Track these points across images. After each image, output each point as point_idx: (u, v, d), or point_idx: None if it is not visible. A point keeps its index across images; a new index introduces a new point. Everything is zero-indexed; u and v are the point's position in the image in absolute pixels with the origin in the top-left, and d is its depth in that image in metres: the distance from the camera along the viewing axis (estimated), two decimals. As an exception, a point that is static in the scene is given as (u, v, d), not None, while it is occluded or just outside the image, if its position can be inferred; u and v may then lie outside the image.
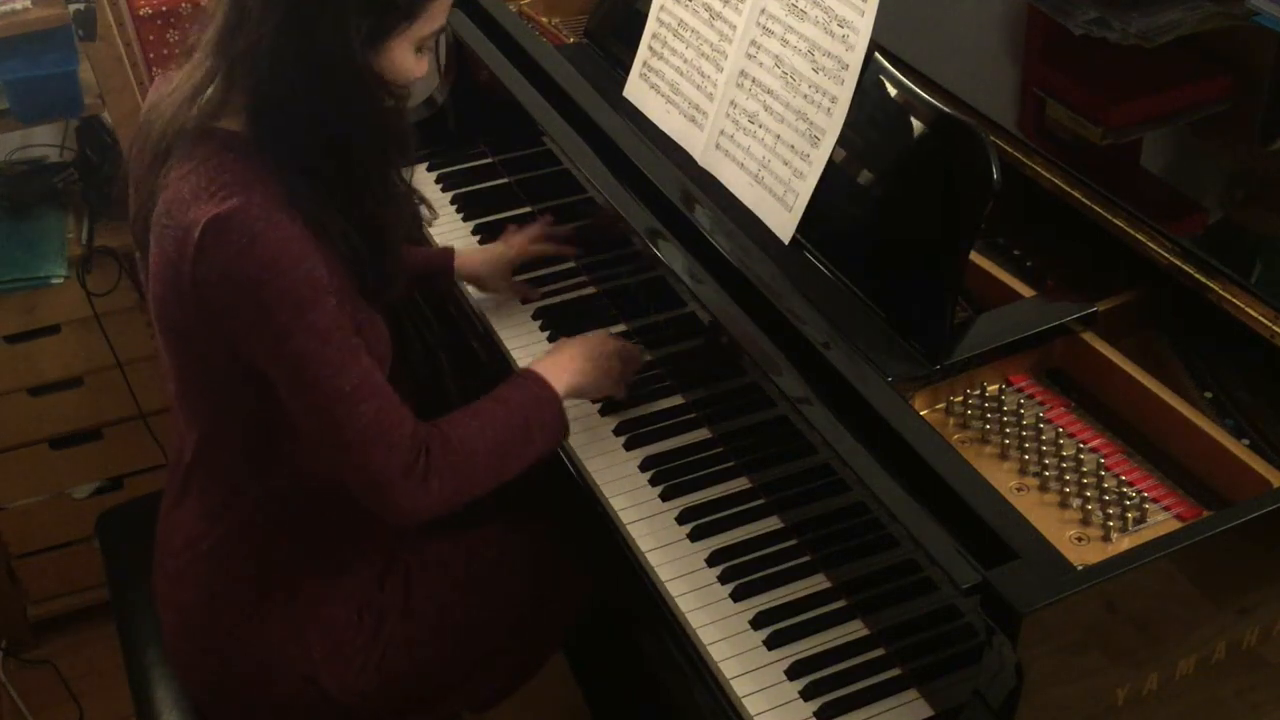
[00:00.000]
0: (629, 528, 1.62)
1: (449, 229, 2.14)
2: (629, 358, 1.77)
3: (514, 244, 1.99)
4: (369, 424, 1.42)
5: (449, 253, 1.97)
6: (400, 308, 2.38)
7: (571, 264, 2.03)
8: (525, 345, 1.91)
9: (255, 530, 1.60)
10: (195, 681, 1.69)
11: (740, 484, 1.66)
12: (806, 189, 1.61)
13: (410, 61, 1.47)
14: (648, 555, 1.58)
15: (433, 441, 1.48)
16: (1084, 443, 1.45)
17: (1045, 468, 1.42)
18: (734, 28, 1.74)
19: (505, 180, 2.22)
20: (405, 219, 1.59)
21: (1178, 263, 1.48)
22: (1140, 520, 1.35)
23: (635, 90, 1.92)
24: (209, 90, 1.43)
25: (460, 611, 1.71)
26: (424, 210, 1.68)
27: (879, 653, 1.45)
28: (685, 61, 1.82)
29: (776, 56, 1.67)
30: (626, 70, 1.93)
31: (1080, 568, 1.23)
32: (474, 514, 1.83)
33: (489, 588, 1.74)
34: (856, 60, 1.56)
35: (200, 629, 1.65)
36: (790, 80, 1.65)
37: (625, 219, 1.78)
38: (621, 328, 1.89)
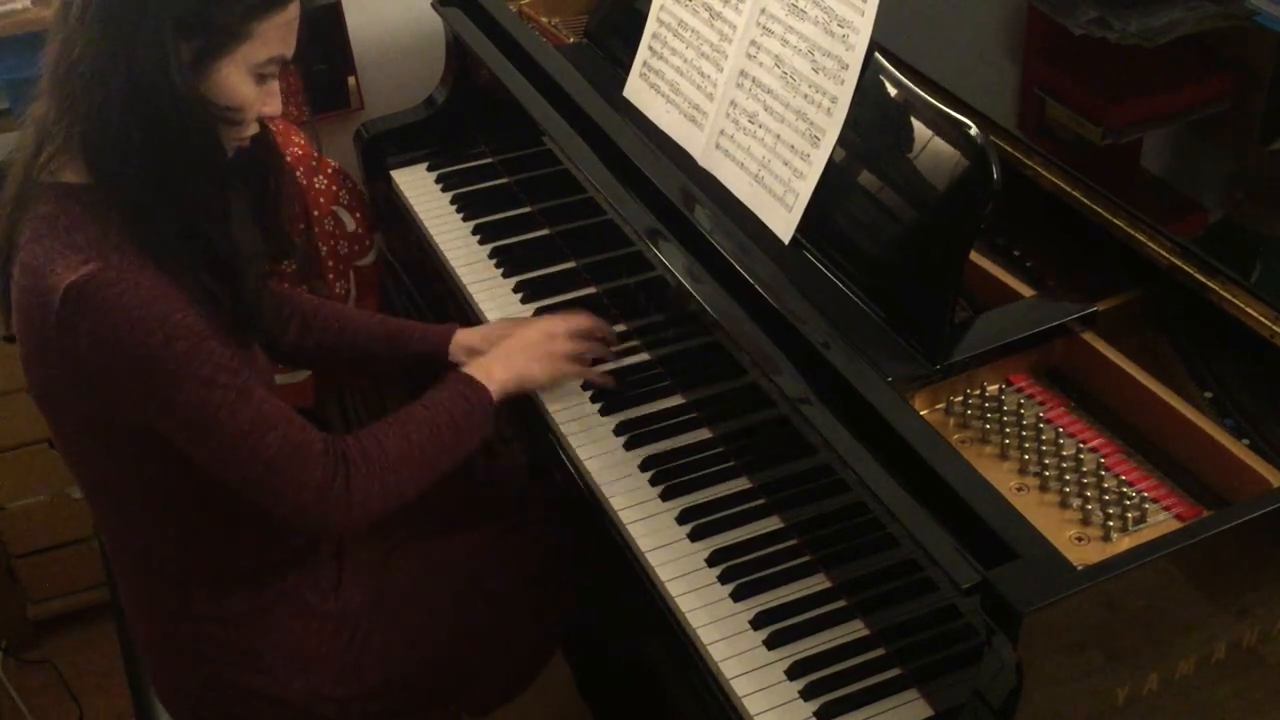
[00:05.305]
0: (629, 528, 1.62)
1: (449, 229, 2.14)
2: (583, 332, 1.77)
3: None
4: (277, 452, 1.41)
5: (448, 332, 1.83)
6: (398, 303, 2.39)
7: (572, 264, 2.03)
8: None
9: (169, 575, 1.58)
10: (175, 710, 1.68)
11: (740, 484, 1.66)
12: (806, 189, 1.61)
13: (246, 89, 1.39)
14: (648, 555, 1.58)
15: (350, 453, 1.47)
16: (1084, 443, 1.45)
17: (1045, 468, 1.42)
18: (734, 28, 1.74)
19: (505, 180, 2.22)
20: (254, 252, 1.51)
21: (1178, 263, 1.48)
22: (1140, 520, 1.35)
23: (635, 90, 1.92)
24: (50, 140, 1.38)
25: (453, 613, 1.70)
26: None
27: (879, 653, 1.45)
28: (685, 61, 1.82)
29: (776, 56, 1.67)
30: (626, 70, 1.93)
31: (1080, 568, 1.23)
32: (466, 516, 1.83)
33: (484, 588, 1.73)
34: (856, 60, 1.56)
35: (160, 645, 1.64)
36: (790, 80, 1.65)
37: (625, 219, 1.78)
38: (621, 327, 1.89)
